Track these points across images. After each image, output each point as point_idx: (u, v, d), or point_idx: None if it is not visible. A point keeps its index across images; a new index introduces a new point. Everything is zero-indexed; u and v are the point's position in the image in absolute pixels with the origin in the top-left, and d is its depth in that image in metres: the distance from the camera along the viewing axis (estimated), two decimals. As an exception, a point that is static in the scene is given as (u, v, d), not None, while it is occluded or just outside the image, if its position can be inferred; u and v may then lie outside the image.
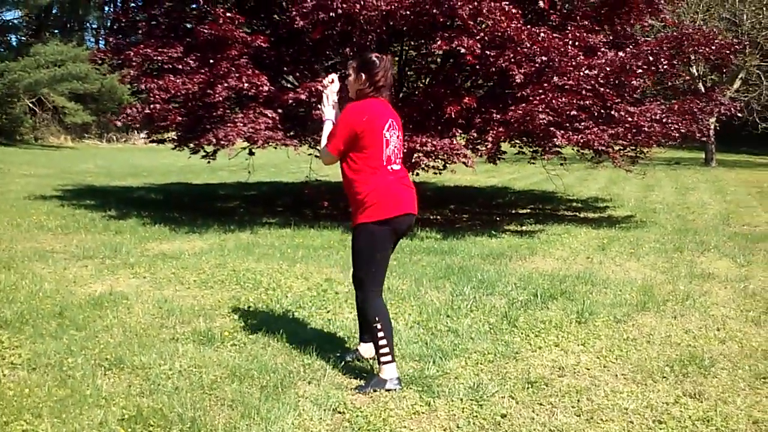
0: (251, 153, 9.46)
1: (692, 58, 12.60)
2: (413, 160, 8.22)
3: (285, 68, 9.77)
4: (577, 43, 8.45)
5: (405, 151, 7.02)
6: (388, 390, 3.49)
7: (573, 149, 8.97)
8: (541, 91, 7.90)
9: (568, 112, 7.86)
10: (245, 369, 3.73)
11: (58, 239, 7.65)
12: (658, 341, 4.39)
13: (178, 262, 6.47)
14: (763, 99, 24.25)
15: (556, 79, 8.00)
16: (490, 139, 8.29)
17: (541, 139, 8.47)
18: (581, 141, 8.09)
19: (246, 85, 8.07)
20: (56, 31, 38.23)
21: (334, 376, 3.71)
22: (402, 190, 3.58)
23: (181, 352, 4.02)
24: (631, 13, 9.51)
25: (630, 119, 8.33)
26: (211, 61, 8.24)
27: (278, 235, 8.10)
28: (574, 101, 7.82)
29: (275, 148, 8.65)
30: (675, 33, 9.10)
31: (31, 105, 32.62)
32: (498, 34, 7.86)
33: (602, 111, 8.40)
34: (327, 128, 3.74)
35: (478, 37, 7.82)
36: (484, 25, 8.00)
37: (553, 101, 7.73)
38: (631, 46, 9.25)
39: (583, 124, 8.22)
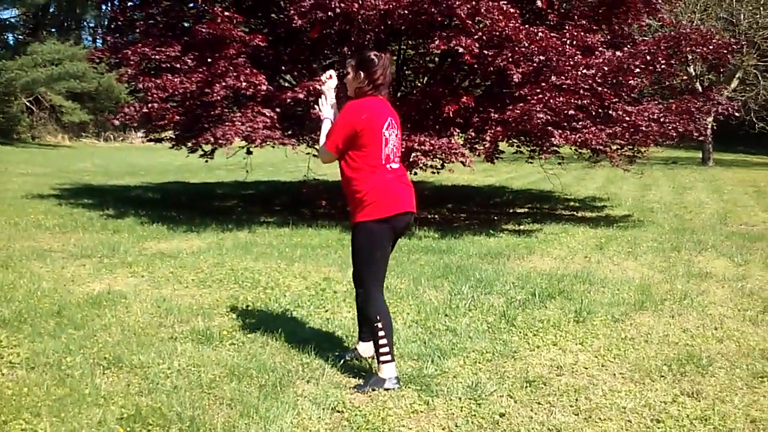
0: (249, 152, 9.46)
1: (689, 57, 12.66)
2: (411, 159, 8.23)
3: (283, 67, 9.77)
4: (574, 43, 8.47)
5: (403, 150, 7.03)
6: (386, 389, 3.49)
7: (571, 149, 8.99)
8: (538, 90, 7.91)
9: (565, 112, 7.87)
10: (244, 368, 3.73)
11: (56, 238, 7.64)
12: (656, 340, 4.40)
13: (176, 261, 6.46)
14: (760, 98, 24.30)
15: (554, 78, 8.01)
16: (488, 138, 8.30)
17: (539, 138, 8.48)
18: (579, 140, 8.10)
19: (244, 84, 8.07)
20: (53, 29, 38.13)
21: (333, 375, 3.72)
22: (401, 188, 3.59)
23: (180, 351, 4.02)
24: (629, 13, 9.52)
25: (627, 119, 8.34)
26: (209, 60, 8.23)
27: (276, 234, 8.10)
28: (572, 101, 7.83)
29: (273, 147, 8.64)
30: (672, 33, 9.11)
31: (28, 104, 32.57)
32: (496, 33, 7.87)
33: (600, 110, 8.42)
34: (325, 127, 3.74)
35: (476, 37, 7.82)
36: (482, 25, 8.00)
37: (551, 101, 7.73)
38: (628, 46, 9.27)
39: (580, 123, 8.23)
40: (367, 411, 3.28)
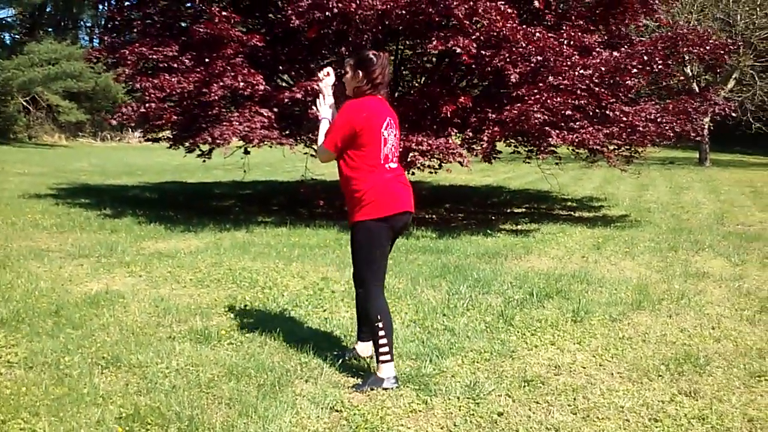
0: (246, 152, 9.45)
1: (686, 58, 12.67)
2: (409, 159, 8.23)
3: (280, 67, 9.77)
4: (572, 43, 8.48)
5: (401, 150, 7.03)
6: (385, 389, 3.50)
7: (568, 149, 9.00)
8: (536, 90, 7.91)
9: (563, 112, 7.88)
10: (242, 367, 3.74)
11: (54, 238, 7.63)
12: (654, 340, 4.41)
13: (174, 261, 6.46)
14: (757, 99, 24.34)
15: (551, 78, 8.02)
16: (485, 138, 8.31)
17: (536, 138, 8.49)
18: (576, 140, 8.12)
19: (241, 84, 8.07)
20: (50, 29, 38.10)
21: (331, 374, 3.72)
22: (399, 188, 3.60)
23: (178, 350, 4.02)
24: (626, 13, 9.54)
25: (625, 119, 8.36)
26: (207, 60, 8.23)
27: (274, 234, 8.10)
28: (569, 101, 7.84)
29: (270, 147, 8.64)
30: (669, 33, 9.13)
31: (25, 103, 32.52)
32: (493, 33, 7.88)
33: (597, 111, 8.43)
34: (323, 127, 3.75)
35: (473, 37, 7.83)
36: (479, 25, 8.01)
37: (548, 101, 7.74)
38: (625, 46, 9.29)
39: (578, 123, 8.24)
40: (365, 410, 3.28)
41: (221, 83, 7.99)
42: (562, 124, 8.15)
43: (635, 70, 8.43)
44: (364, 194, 3.50)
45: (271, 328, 4.36)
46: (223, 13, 8.13)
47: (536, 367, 3.90)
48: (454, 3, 7.58)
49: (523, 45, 7.90)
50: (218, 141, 7.96)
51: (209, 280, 5.80)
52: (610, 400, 3.45)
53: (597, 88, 8.12)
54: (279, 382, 3.56)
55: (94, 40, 41.51)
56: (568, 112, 7.94)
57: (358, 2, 7.75)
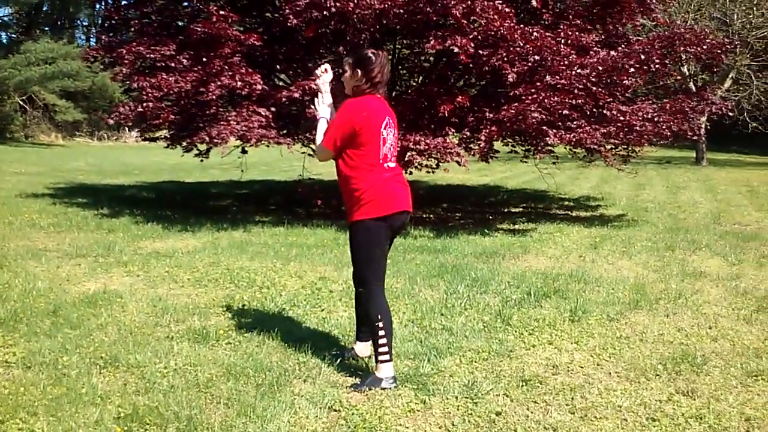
0: (244, 151, 9.45)
1: (683, 57, 12.67)
2: (406, 159, 8.24)
3: (278, 66, 9.76)
4: (569, 42, 8.48)
5: (399, 149, 7.03)
6: (383, 388, 3.50)
7: (565, 148, 9.01)
8: (533, 90, 7.92)
9: (560, 111, 7.89)
10: (240, 367, 3.74)
11: (51, 237, 7.62)
12: (651, 339, 4.42)
13: (171, 261, 6.46)
14: (754, 98, 24.41)
15: (548, 78, 8.03)
16: (482, 137, 8.31)
17: (534, 137, 8.50)
18: (573, 140, 8.12)
19: (239, 83, 8.06)
20: (47, 28, 38.02)
21: (330, 374, 3.73)
22: (398, 187, 3.60)
23: (176, 350, 4.02)
24: (623, 13, 9.54)
25: (622, 118, 8.37)
26: (204, 59, 8.22)
27: (271, 234, 8.09)
28: (567, 100, 7.85)
29: (268, 146, 8.63)
30: (666, 32, 9.15)
31: (21, 103, 32.44)
32: (491, 33, 7.88)
33: (594, 110, 8.44)
34: (321, 127, 3.74)
35: (471, 36, 7.83)
36: (477, 24, 8.01)
37: (546, 100, 7.75)
38: (623, 46, 9.29)
39: (575, 123, 8.25)
40: (364, 410, 3.29)
41: (219, 82, 7.99)
42: (560, 123, 8.16)
43: (632, 70, 8.44)
44: (363, 193, 3.50)
45: (269, 328, 4.36)
46: (221, 12, 8.12)
47: (534, 366, 3.90)
48: (452, 2, 7.58)
49: (521, 44, 7.90)
50: (216, 140, 7.95)
51: (207, 279, 5.79)
52: (607, 399, 3.46)
53: (594, 88, 8.13)
54: (277, 382, 3.56)
55: (91, 40, 41.51)
56: (566, 112, 7.95)
57: (355, 1, 7.75)
